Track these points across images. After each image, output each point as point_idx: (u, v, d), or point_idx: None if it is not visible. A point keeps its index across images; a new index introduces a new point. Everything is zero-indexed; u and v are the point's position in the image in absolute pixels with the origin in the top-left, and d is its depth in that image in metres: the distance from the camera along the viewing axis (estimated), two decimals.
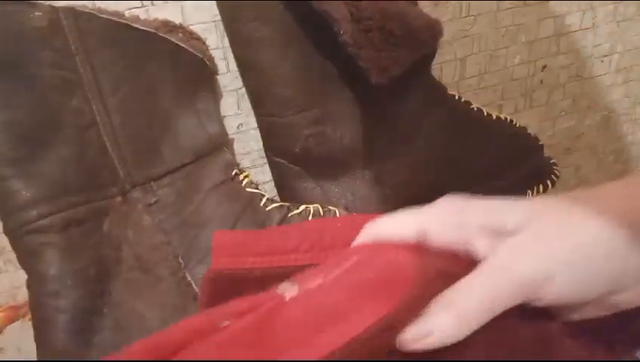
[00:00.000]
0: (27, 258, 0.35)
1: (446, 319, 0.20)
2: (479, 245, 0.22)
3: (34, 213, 0.34)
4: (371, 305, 0.20)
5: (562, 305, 0.22)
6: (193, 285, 0.39)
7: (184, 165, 0.40)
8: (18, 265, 0.36)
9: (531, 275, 0.21)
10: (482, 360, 0.22)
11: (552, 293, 0.21)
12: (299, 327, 0.19)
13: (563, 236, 0.21)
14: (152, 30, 0.38)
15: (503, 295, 0.21)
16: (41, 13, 0.33)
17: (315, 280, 0.21)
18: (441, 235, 0.23)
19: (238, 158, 0.48)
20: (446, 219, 0.23)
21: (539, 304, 0.21)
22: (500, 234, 0.22)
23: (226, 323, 0.20)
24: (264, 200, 0.43)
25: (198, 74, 0.41)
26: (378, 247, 0.24)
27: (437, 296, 0.21)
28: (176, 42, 0.39)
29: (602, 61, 0.62)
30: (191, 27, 0.42)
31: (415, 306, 0.20)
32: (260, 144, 0.47)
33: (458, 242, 0.23)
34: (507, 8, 0.54)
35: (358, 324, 0.19)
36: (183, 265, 0.39)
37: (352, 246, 0.25)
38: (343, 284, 0.21)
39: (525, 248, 0.21)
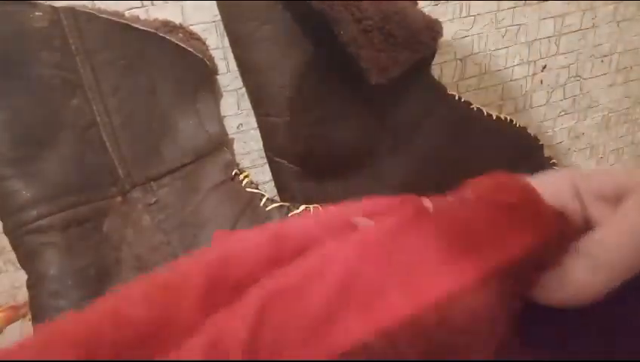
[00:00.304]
0: (27, 258, 0.35)
1: (584, 271, 0.18)
2: (595, 212, 0.21)
3: (34, 213, 0.34)
4: (514, 233, 0.17)
5: None
6: None
7: (184, 165, 0.40)
8: (18, 265, 0.36)
9: None
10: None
11: None
12: (438, 248, 0.17)
13: None
14: (152, 30, 0.38)
15: None
16: (41, 13, 0.33)
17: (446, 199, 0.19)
18: (553, 203, 0.21)
19: (238, 158, 0.48)
20: (557, 187, 0.21)
21: None
22: (618, 197, 0.20)
23: (360, 221, 0.18)
24: (264, 200, 0.43)
25: (198, 74, 0.41)
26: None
27: (572, 246, 0.19)
28: (176, 42, 0.39)
29: (602, 61, 0.62)
30: (191, 27, 0.42)
31: (556, 250, 0.18)
32: (260, 144, 0.47)
33: (571, 209, 0.21)
34: (507, 8, 0.54)
35: (501, 252, 0.17)
36: None
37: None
38: (483, 206, 0.18)
39: None
